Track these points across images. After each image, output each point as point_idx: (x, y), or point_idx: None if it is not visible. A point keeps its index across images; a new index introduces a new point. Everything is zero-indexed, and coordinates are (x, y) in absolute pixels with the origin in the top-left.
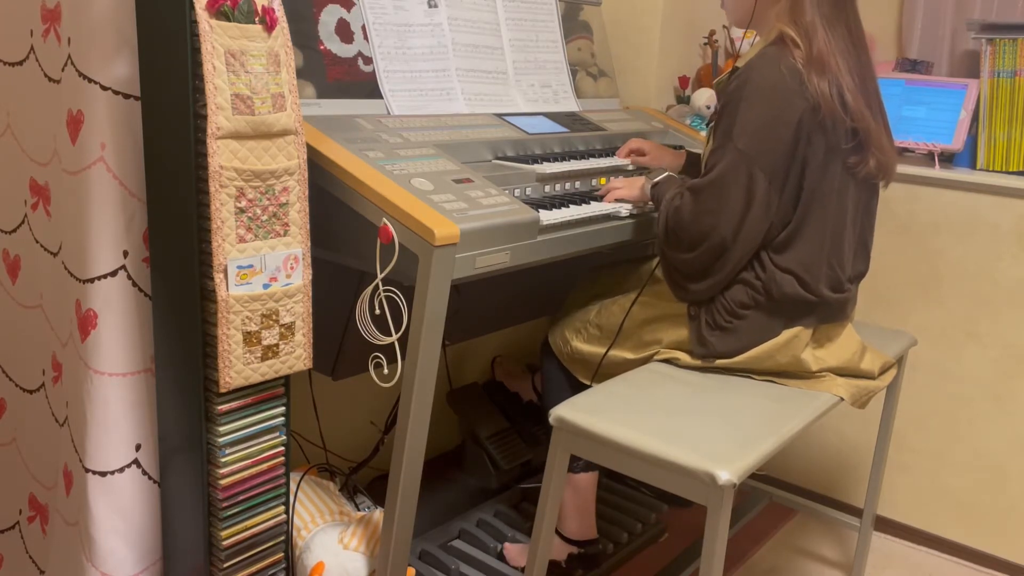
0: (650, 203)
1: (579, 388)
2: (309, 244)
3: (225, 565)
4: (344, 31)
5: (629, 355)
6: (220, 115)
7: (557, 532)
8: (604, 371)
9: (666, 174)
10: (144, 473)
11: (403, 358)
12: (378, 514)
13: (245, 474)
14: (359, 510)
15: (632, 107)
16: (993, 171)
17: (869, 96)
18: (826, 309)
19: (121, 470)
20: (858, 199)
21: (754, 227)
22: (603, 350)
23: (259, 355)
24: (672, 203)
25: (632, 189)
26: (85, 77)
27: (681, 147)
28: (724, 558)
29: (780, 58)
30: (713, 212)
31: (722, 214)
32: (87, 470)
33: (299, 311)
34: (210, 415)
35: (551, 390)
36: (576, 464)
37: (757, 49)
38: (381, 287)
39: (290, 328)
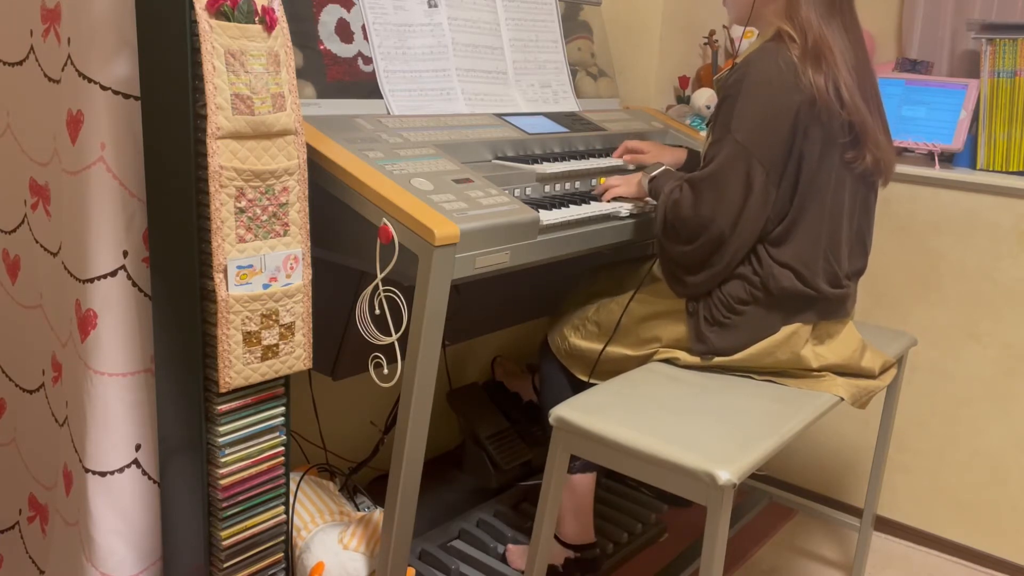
0: (648, 199)
1: (577, 389)
2: (309, 244)
3: (225, 565)
4: (344, 31)
5: (627, 351)
6: (220, 115)
7: (555, 535)
8: (602, 367)
9: (663, 167)
10: (144, 473)
11: (403, 358)
12: (378, 514)
13: (245, 474)
14: (359, 510)
15: (632, 107)
16: (993, 171)
17: (866, 93)
18: (825, 305)
19: (121, 470)
20: (855, 195)
21: (752, 219)
22: (600, 346)
23: (259, 355)
24: (671, 196)
25: (630, 186)
26: (85, 77)
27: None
28: (724, 558)
29: (777, 52)
30: (711, 204)
31: (720, 206)
32: (87, 470)
33: (299, 311)
34: (210, 415)
35: (548, 391)
36: (573, 465)
37: (756, 45)
38: (381, 287)
39: (290, 328)
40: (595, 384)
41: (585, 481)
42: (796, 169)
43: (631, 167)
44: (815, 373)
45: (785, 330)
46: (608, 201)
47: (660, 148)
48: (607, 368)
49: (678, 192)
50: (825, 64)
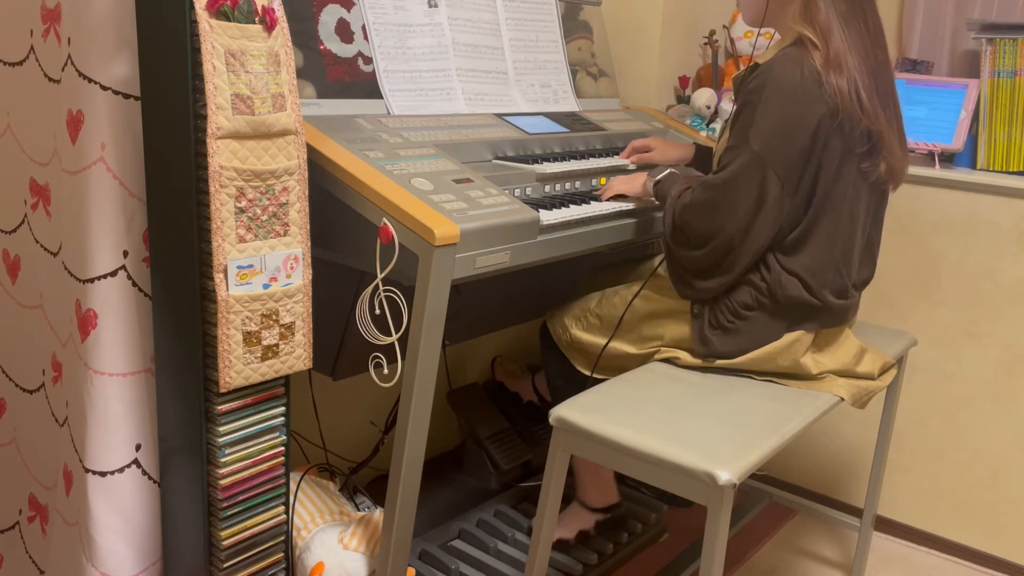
0: (653, 200)
1: (579, 376)
2: (309, 244)
3: (225, 565)
4: (344, 31)
5: (630, 349)
6: (220, 115)
7: (580, 503)
8: (603, 362)
9: (668, 170)
10: (144, 473)
11: (403, 358)
12: (378, 514)
13: (245, 474)
14: (359, 510)
15: (632, 107)
16: (993, 171)
17: (885, 97)
18: (829, 314)
19: (121, 470)
20: (869, 205)
21: (763, 229)
22: (603, 341)
23: (259, 355)
24: (680, 199)
25: (632, 185)
26: (85, 77)
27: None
28: (724, 558)
29: (801, 59)
30: (722, 211)
31: (731, 214)
32: (87, 470)
33: (299, 311)
34: (210, 415)
35: (556, 380)
36: None
37: (777, 48)
38: (381, 287)
39: (290, 328)
40: (597, 378)
41: None
42: (813, 180)
43: (631, 167)
44: (815, 376)
45: (787, 337)
46: (608, 200)
47: (667, 144)
48: (608, 363)
49: (688, 195)
50: (847, 68)
